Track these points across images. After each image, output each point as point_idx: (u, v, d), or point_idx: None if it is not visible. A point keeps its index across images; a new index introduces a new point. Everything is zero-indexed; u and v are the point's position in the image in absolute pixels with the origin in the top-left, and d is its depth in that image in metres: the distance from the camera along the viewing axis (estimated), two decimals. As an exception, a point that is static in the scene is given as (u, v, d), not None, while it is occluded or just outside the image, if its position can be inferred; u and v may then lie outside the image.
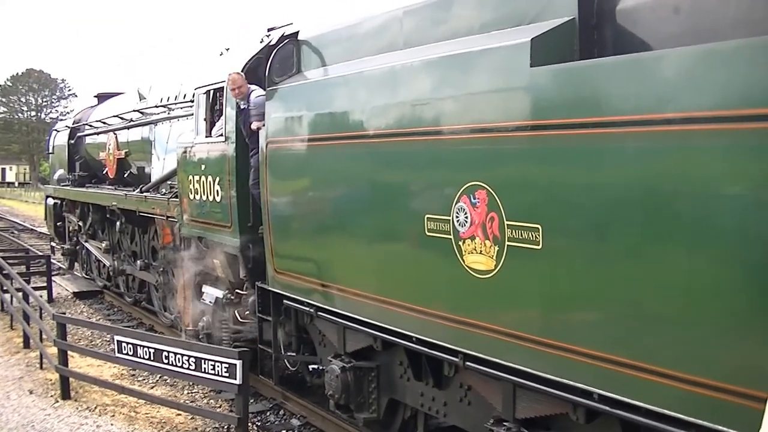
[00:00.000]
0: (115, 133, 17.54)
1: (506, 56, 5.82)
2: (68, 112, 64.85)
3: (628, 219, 4.89)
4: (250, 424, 9.73)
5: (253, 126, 9.69)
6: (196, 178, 11.13)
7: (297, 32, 9.32)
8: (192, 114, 11.71)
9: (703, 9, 4.98)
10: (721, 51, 4.43)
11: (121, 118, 17.31)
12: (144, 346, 10.24)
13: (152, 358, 10.17)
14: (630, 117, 4.85)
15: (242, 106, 9.88)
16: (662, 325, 4.75)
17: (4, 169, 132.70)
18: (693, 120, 4.48)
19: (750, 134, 4.21)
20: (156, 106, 15.20)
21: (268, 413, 10.85)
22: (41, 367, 13.01)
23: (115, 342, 10.74)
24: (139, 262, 16.06)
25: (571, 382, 5.38)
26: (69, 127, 21.45)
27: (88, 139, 20.22)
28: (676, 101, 4.60)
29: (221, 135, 10.42)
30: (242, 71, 10.09)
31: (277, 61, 9.30)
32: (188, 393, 11.75)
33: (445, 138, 6.42)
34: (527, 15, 5.96)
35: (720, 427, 4.41)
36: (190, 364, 9.70)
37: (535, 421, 6.15)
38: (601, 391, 5.16)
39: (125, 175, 17.41)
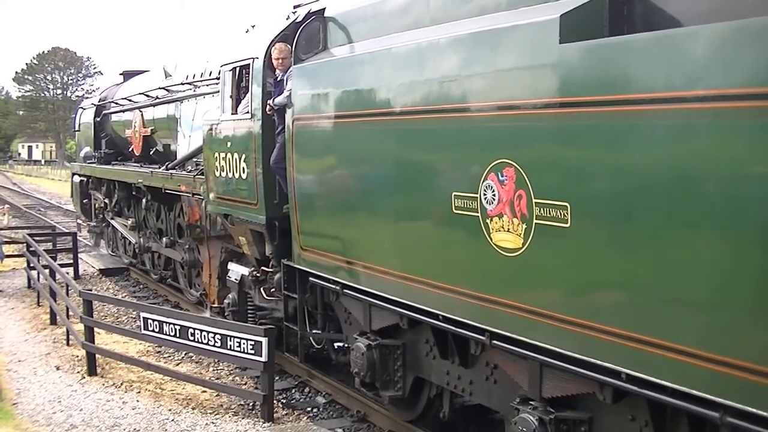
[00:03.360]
0: (140, 111, 17.59)
1: (535, 33, 5.76)
2: (94, 90, 65.14)
3: (657, 197, 4.84)
4: (275, 401, 9.78)
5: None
6: (222, 155, 11.13)
7: (323, 9, 9.28)
8: (218, 91, 11.70)
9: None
10: (754, 27, 4.36)
11: (147, 96, 17.34)
12: (170, 323, 10.32)
13: (178, 335, 10.24)
14: (660, 94, 4.78)
15: (278, 78, 9.79)
16: (692, 305, 4.70)
17: (30, 147, 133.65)
18: (724, 98, 4.42)
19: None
20: (182, 84, 15.20)
21: (293, 390, 10.87)
22: (68, 344, 13.12)
23: (141, 319, 10.82)
24: (164, 239, 16.13)
25: (598, 362, 5.35)
26: (95, 105, 21.56)
27: (113, 117, 20.30)
28: (708, 78, 4.53)
29: (247, 112, 10.40)
30: (268, 48, 10.03)
31: (303, 38, 9.27)
32: (213, 370, 11.80)
33: (473, 115, 6.37)
34: (556, -9, 5.89)
35: (749, 408, 4.37)
36: (215, 342, 9.77)
37: (562, 401, 6.12)
38: (629, 371, 5.13)
39: (151, 153, 17.44)
